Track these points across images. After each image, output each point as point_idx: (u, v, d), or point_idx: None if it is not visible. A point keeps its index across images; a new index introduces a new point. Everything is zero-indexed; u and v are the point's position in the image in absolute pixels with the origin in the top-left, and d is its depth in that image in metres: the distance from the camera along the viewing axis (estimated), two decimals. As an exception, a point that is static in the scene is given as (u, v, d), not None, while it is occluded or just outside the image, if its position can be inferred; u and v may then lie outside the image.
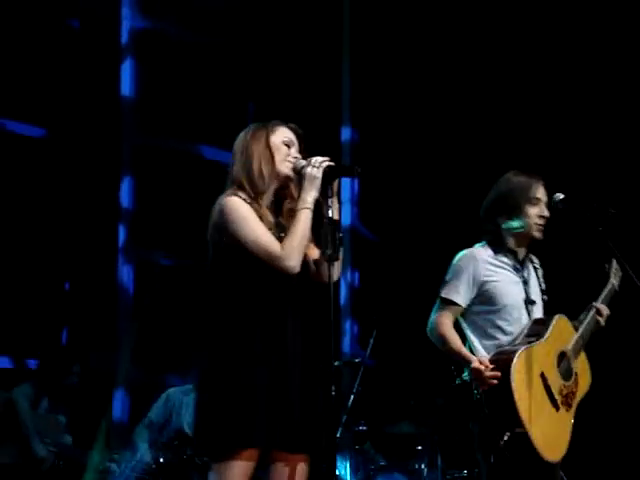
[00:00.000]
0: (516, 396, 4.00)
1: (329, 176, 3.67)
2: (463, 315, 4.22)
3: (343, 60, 7.41)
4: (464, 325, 4.23)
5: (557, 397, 4.13)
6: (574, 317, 4.27)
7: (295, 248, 3.52)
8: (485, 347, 4.19)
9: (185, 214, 6.46)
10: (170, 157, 6.66)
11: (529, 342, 4.14)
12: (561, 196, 4.22)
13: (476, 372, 4.05)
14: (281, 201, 3.69)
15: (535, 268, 4.33)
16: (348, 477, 5.80)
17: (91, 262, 6.42)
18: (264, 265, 3.54)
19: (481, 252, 4.25)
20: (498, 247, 4.26)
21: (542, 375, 4.12)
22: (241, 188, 3.64)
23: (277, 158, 3.66)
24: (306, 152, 3.69)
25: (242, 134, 3.75)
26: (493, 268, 4.22)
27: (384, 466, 5.87)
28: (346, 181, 7.22)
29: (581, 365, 4.24)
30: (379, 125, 7.13)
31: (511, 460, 4.03)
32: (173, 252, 6.55)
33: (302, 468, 3.56)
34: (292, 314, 3.58)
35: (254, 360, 3.50)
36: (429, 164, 6.82)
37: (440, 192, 6.70)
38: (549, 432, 4.08)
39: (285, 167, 3.66)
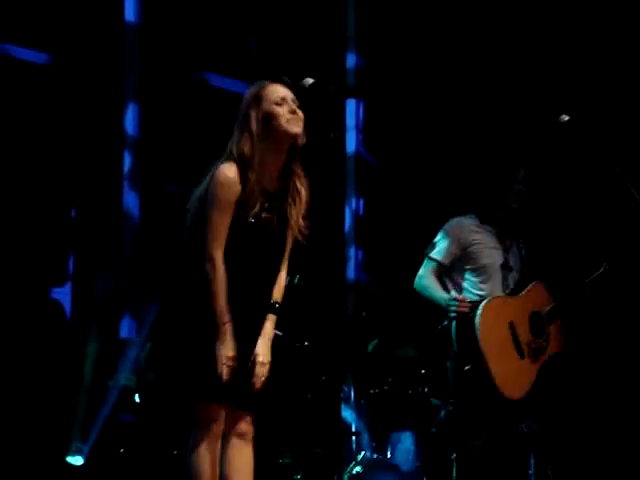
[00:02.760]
0: (479, 334, 4.53)
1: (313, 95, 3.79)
2: (447, 274, 4.83)
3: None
4: (448, 283, 4.82)
5: (524, 347, 4.67)
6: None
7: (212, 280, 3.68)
8: None
9: (190, 141, 6.47)
10: (175, 84, 6.63)
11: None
12: (566, 118, 4.33)
13: (452, 301, 4.63)
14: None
15: (520, 247, 4.90)
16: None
17: (97, 189, 6.43)
18: (237, 238, 3.70)
19: (468, 221, 4.84)
20: (484, 218, 4.82)
21: (511, 324, 4.66)
22: (240, 158, 3.72)
23: (273, 120, 3.72)
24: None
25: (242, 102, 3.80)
26: (477, 234, 4.80)
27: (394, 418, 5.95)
28: (351, 108, 7.20)
29: (555, 330, 4.78)
30: (385, 51, 7.08)
31: (473, 391, 4.61)
32: (179, 179, 6.56)
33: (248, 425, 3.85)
34: (259, 284, 3.79)
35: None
36: (435, 90, 6.79)
37: (445, 117, 6.68)
38: (509, 372, 4.60)
39: (286, 124, 3.72)
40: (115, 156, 6.53)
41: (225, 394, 3.74)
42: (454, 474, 4.68)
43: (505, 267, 4.82)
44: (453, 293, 4.77)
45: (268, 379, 3.81)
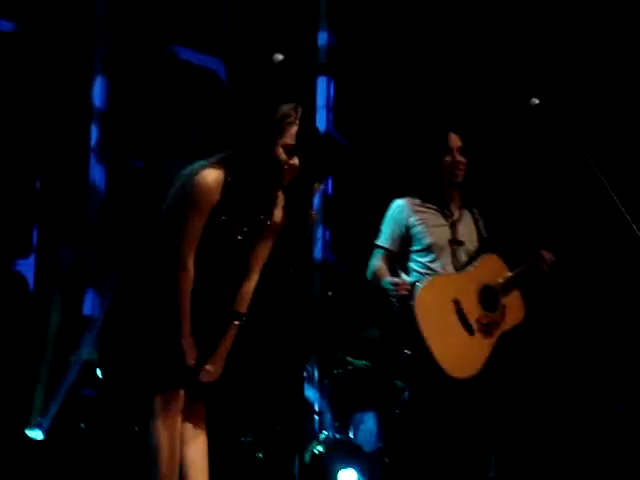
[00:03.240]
0: (417, 316, 4.45)
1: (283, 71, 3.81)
2: (397, 260, 4.76)
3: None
4: (398, 269, 4.75)
5: (473, 323, 4.56)
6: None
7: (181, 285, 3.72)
8: None
9: (158, 115, 6.41)
10: (144, 57, 6.56)
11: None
12: (537, 101, 4.34)
13: (390, 285, 4.57)
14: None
15: (475, 218, 4.79)
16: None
17: (62, 161, 6.37)
18: (209, 235, 3.74)
19: (409, 201, 4.76)
20: (425, 195, 4.73)
21: (456, 301, 4.56)
22: (233, 162, 3.76)
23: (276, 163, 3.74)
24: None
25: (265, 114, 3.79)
26: (419, 213, 4.71)
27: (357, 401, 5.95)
28: (322, 87, 7.17)
29: (513, 301, 4.66)
30: (356, 30, 7.05)
31: (421, 373, 4.52)
32: (146, 153, 6.51)
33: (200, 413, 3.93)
34: (216, 289, 3.83)
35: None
36: (405, 69, 6.77)
37: (416, 96, 6.67)
38: (455, 351, 4.50)
39: (281, 175, 3.76)
40: (82, 128, 6.47)
41: (181, 381, 3.80)
42: (416, 456, 4.66)
43: (454, 242, 4.70)
44: (403, 276, 4.70)
45: (226, 370, 3.88)
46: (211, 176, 3.72)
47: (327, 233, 7.29)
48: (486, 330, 4.58)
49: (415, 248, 4.71)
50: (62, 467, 5.47)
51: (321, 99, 7.18)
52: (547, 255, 4.65)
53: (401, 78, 6.81)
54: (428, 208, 4.75)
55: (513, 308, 4.67)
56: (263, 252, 3.92)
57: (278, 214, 3.90)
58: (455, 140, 4.71)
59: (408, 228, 4.71)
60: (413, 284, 4.58)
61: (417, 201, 4.76)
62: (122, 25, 6.53)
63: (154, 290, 3.79)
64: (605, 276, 6.14)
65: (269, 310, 5.59)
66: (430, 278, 4.60)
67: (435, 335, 4.47)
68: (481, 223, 4.83)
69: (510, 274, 4.68)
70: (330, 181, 7.28)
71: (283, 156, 3.75)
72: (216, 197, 3.72)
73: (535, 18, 6.47)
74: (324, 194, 7.26)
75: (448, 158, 4.67)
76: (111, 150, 6.51)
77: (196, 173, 3.74)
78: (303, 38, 6.90)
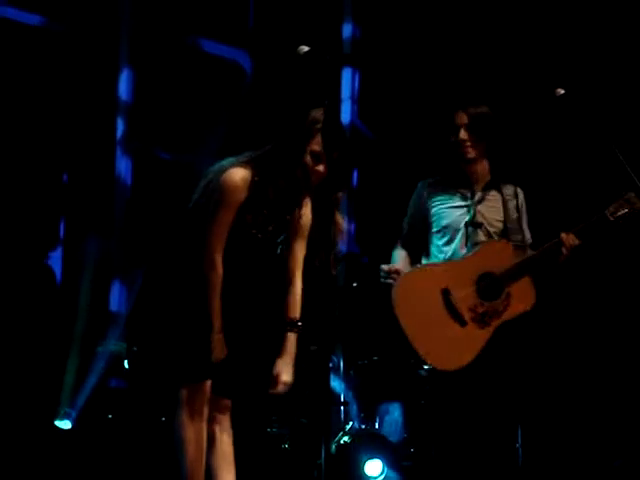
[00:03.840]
0: (397, 308, 4.28)
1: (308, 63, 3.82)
2: (419, 242, 4.61)
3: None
4: (421, 251, 4.62)
5: (464, 312, 4.32)
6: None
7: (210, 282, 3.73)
8: None
9: (183, 108, 6.44)
10: (169, 49, 6.59)
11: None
12: (562, 92, 4.27)
13: (382, 272, 4.49)
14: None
15: (505, 199, 4.54)
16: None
17: (89, 154, 6.41)
18: (236, 234, 3.77)
19: (430, 182, 4.64)
20: (446, 176, 4.60)
21: (444, 290, 4.34)
22: (261, 162, 3.77)
23: (303, 167, 3.76)
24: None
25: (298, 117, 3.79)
26: (437, 194, 4.58)
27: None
28: (347, 79, 7.17)
29: (520, 288, 4.39)
30: (381, 21, 7.04)
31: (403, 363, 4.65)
32: (171, 146, 6.53)
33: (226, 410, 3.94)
34: (252, 278, 3.86)
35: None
36: (431, 61, 6.76)
37: (441, 89, 6.65)
38: (441, 343, 4.28)
39: (308, 180, 3.76)
40: (108, 121, 6.50)
41: (207, 373, 3.82)
42: (441, 446, 4.61)
43: (472, 224, 4.48)
44: (397, 260, 4.59)
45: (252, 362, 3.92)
46: (239, 174, 3.75)
47: (352, 225, 7.30)
48: (481, 320, 4.35)
49: (433, 230, 4.58)
50: (90, 457, 5.52)
51: (346, 91, 7.18)
52: (569, 239, 4.37)
53: (425, 69, 6.79)
54: (447, 189, 4.61)
55: (520, 295, 4.41)
56: (299, 254, 3.92)
57: (306, 217, 3.90)
58: (462, 117, 4.54)
59: (427, 210, 4.60)
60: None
61: (437, 182, 4.65)
62: (147, 18, 6.55)
63: (183, 284, 3.81)
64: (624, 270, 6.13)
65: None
66: (417, 266, 4.49)
67: (415, 327, 4.30)
68: (512, 203, 4.58)
69: (517, 260, 4.43)
70: (355, 173, 7.28)
71: (310, 161, 3.76)
72: (243, 195, 3.74)
73: (559, 7, 6.45)
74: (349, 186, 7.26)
75: (453, 137, 4.55)
76: (137, 142, 6.54)
77: (225, 171, 3.77)
78: (328, 30, 6.90)
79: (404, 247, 4.64)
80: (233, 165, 3.78)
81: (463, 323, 4.33)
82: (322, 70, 4.10)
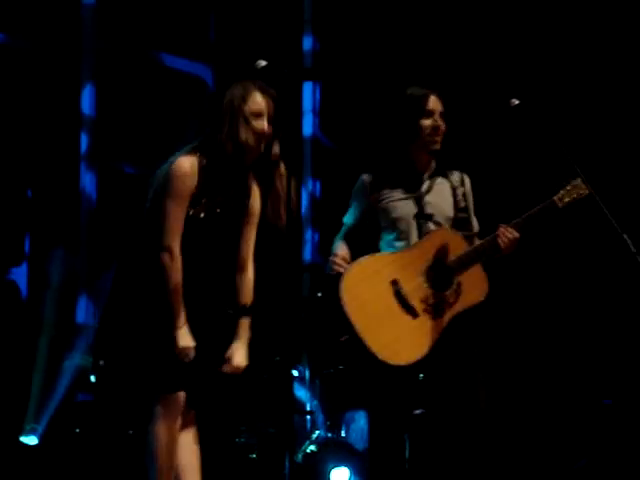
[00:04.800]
0: (344, 301, 4.05)
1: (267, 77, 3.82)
2: (363, 237, 4.35)
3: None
4: (367, 247, 4.33)
5: (415, 304, 4.13)
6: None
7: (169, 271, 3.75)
8: None
9: (146, 122, 6.47)
10: (131, 64, 6.62)
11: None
12: (517, 102, 4.25)
13: (329, 260, 4.24)
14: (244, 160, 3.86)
15: (453, 187, 4.36)
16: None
17: (53, 169, 6.42)
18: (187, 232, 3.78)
19: (373, 175, 4.37)
20: (391, 167, 4.35)
21: (394, 282, 4.14)
22: (205, 147, 3.82)
23: (243, 129, 3.79)
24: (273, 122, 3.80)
25: (225, 94, 3.83)
26: (383, 188, 4.31)
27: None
28: (308, 91, 7.23)
29: (472, 278, 4.21)
30: (341, 34, 7.11)
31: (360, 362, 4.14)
32: (135, 159, 6.56)
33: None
34: (209, 277, 3.85)
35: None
36: (390, 73, 6.82)
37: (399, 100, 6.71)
38: (393, 337, 4.07)
39: (251, 139, 3.80)
40: (72, 136, 6.52)
41: (183, 383, 3.83)
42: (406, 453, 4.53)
43: (421, 216, 4.26)
44: (338, 248, 4.36)
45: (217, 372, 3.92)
46: (186, 162, 3.79)
47: (316, 235, 7.36)
48: (434, 310, 4.15)
49: (382, 224, 4.33)
50: (57, 473, 5.51)
51: (307, 103, 7.24)
52: (508, 232, 4.22)
53: (385, 80, 6.84)
54: (391, 181, 4.34)
55: (471, 286, 4.22)
56: (250, 241, 3.96)
57: (256, 204, 3.95)
58: (436, 103, 4.32)
59: (371, 204, 4.34)
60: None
61: (381, 175, 4.37)
62: (109, 33, 6.58)
63: (146, 285, 3.82)
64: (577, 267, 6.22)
65: (259, 311, 5.65)
66: (363, 258, 4.20)
67: (365, 321, 4.07)
68: (460, 190, 4.38)
69: (466, 249, 4.24)
70: (318, 184, 7.35)
71: (252, 127, 3.82)
72: (194, 181, 3.78)
73: (518, 19, 6.54)
74: (312, 197, 7.33)
75: (427, 122, 4.27)
76: (101, 157, 6.57)
77: (172, 163, 3.81)
78: (288, 43, 6.96)
79: (346, 242, 4.41)
80: (179, 156, 3.82)
81: (415, 315, 4.15)
82: (281, 84, 4.13)
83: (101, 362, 5.54)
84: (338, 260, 4.24)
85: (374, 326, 4.06)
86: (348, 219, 4.44)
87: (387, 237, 4.30)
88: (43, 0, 6.35)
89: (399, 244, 4.27)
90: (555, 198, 4.25)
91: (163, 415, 3.82)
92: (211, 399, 4.00)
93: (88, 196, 6.53)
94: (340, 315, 4.07)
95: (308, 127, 7.25)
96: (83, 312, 6.41)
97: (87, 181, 6.53)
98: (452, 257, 4.21)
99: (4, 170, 6.27)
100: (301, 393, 5.91)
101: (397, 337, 4.08)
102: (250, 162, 3.89)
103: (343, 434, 5.80)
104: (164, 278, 3.76)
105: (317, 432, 5.76)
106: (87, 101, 6.55)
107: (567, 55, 6.43)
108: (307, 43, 7.34)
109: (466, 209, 4.35)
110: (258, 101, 3.82)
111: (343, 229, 4.44)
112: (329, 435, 5.76)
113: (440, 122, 4.28)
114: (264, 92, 3.84)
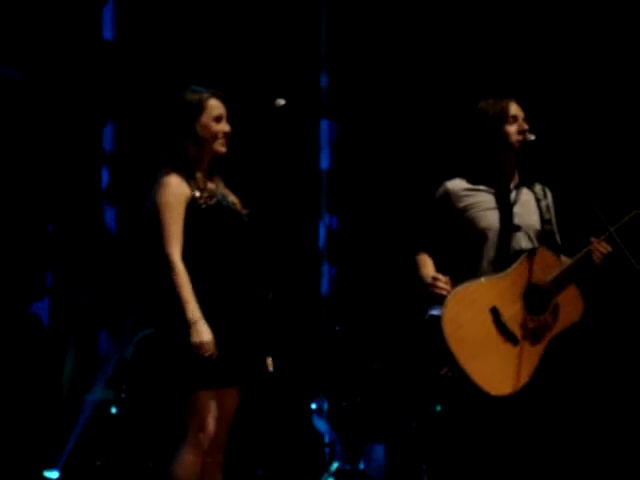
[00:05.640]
0: (446, 331, 3.97)
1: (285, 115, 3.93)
2: (443, 248, 4.22)
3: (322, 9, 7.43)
4: (445, 259, 4.21)
5: (516, 330, 4.06)
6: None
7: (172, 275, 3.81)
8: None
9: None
10: (151, 101, 6.71)
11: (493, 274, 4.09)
12: (532, 137, 4.26)
13: (431, 282, 4.08)
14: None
15: (537, 198, 4.29)
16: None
17: (74, 205, 6.50)
18: (209, 226, 3.88)
19: (456, 184, 4.26)
20: (476, 176, 4.26)
21: (493, 309, 4.06)
22: (179, 166, 3.90)
23: (209, 138, 3.91)
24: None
25: (173, 105, 3.95)
26: (468, 197, 4.22)
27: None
28: (325, 125, 7.30)
29: (568, 297, 4.15)
30: (357, 71, 7.17)
31: (455, 393, 4.04)
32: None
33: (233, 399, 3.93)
34: (243, 266, 3.93)
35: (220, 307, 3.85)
36: (407, 109, 6.88)
37: (418, 136, 6.78)
38: (496, 367, 4.00)
39: (219, 145, 3.94)
40: (93, 172, 6.61)
41: (211, 379, 3.83)
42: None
43: (512, 227, 4.18)
44: (431, 266, 4.18)
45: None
46: (172, 178, 3.89)
47: (333, 269, 7.41)
48: (534, 335, 4.06)
49: (467, 235, 4.20)
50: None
51: (324, 138, 7.30)
52: (601, 247, 4.15)
53: (403, 116, 6.91)
54: (477, 190, 4.25)
55: (568, 306, 4.14)
56: None
57: (235, 201, 4.04)
58: (517, 109, 4.27)
59: (457, 213, 4.21)
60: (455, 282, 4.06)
61: (466, 184, 4.25)
62: (129, 71, 6.68)
63: (167, 300, 3.85)
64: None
65: (278, 345, 5.69)
66: (462, 286, 4.05)
67: (470, 353, 3.98)
68: (544, 203, 4.32)
69: (560, 269, 4.12)
70: (335, 218, 7.41)
71: (214, 130, 3.92)
72: (185, 189, 3.87)
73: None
74: (329, 230, 7.39)
75: (510, 127, 4.22)
76: (122, 192, 6.64)
77: (159, 183, 3.91)
78: (306, 81, 7.02)
79: (427, 253, 4.25)
80: (162, 176, 3.91)
81: (515, 342, 4.04)
82: (300, 121, 4.22)
83: (122, 395, 5.63)
84: (441, 284, 4.09)
85: (476, 357, 3.99)
86: (427, 230, 4.28)
87: (471, 247, 4.18)
88: (65, 37, 6.45)
89: (485, 254, 4.17)
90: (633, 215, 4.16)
91: (192, 442, 3.82)
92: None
93: (109, 231, 6.61)
94: (441, 347, 4.00)
95: (325, 161, 7.31)
96: (104, 346, 6.47)
97: (108, 216, 6.61)
98: (547, 278, 4.13)
99: (26, 205, 6.36)
100: (320, 425, 5.94)
101: (499, 367, 4.01)
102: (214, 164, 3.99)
103: (361, 466, 5.82)
104: (171, 284, 3.81)
105: (335, 464, 5.78)
106: (108, 137, 6.64)
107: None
108: (324, 80, 7.41)
109: (550, 221, 4.28)
110: (217, 105, 3.94)
111: (421, 240, 4.27)
112: (347, 467, 5.78)
113: (526, 125, 4.22)
114: (217, 95, 3.96)
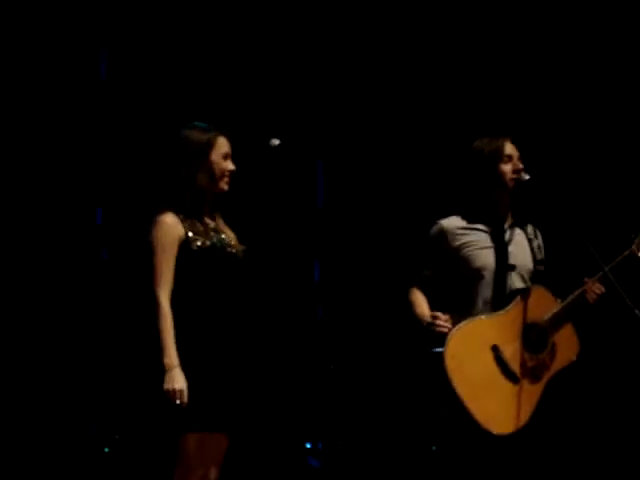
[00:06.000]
0: (449, 370, 4.01)
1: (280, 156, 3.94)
2: (438, 286, 4.30)
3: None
4: (440, 297, 4.29)
5: (516, 369, 4.11)
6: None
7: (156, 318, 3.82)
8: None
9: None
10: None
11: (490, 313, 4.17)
12: (527, 177, 4.33)
13: (429, 319, 4.14)
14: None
15: (529, 238, 4.38)
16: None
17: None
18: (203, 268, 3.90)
19: (452, 222, 4.34)
20: (472, 214, 4.33)
21: (494, 347, 4.11)
22: (177, 204, 3.93)
23: (218, 175, 3.97)
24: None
25: (180, 142, 3.98)
26: (464, 236, 4.30)
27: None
28: (321, 165, 7.24)
29: (564, 337, 4.22)
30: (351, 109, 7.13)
31: (457, 432, 4.08)
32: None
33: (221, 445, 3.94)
34: (233, 307, 3.97)
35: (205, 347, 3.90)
36: (404, 147, 6.85)
37: (414, 174, 6.79)
38: (498, 406, 4.04)
39: (224, 183, 4.00)
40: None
41: (197, 422, 3.84)
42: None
43: (506, 267, 4.23)
44: (425, 305, 4.26)
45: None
46: (167, 216, 3.92)
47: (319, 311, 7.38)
48: (533, 374, 4.13)
49: (459, 276, 4.26)
50: None
51: (321, 178, 7.28)
52: (595, 287, 4.23)
53: (397, 153, 6.90)
54: (472, 228, 4.32)
55: (565, 345, 4.21)
56: None
57: (232, 238, 4.07)
58: (512, 148, 4.35)
59: (452, 252, 4.27)
60: (455, 320, 4.13)
61: (461, 222, 4.33)
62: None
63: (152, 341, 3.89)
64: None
65: (272, 381, 5.66)
66: (463, 323, 4.10)
67: (472, 391, 4.02)
68: (536, 243, 4.40)
69: (556, 308, 4.21)
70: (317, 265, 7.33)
71: (221, 167, 3.98)
72: (178, 229, 3.90)
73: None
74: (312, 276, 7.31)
75: (506, 166, 4.29)
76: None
77: (153, 221, 3.94)
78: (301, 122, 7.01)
79: (421, 291, 4.30)
80: (157, 215, 3.94)
81: (516, 380, 4.12)
82: (295, 161, 4.24)
83: (116, 436, 5.60)
84: (441, 322, 4.14)
85: (478, 395, 4.02)
86: (421, 268, 4.33)
87: (466, 285, 4.24)
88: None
89: (479, 293, 4.21)
90: (633, 247, 4.26)
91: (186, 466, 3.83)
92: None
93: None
94: (444, 384, 4.03)
95: (321, 200, 7.27)
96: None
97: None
98: (545, 317, 4.20)
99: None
100: (314, 463, 5.93)
101: (501, 406, 4.05)
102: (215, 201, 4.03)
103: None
104: (155, 322, 3.83)
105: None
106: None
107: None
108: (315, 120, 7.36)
109: (542, 262, 4.35)
110: (225, 143, 3.99)
111: (416, 278, 4.32)
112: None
113: (521, 165, 4.31)
114: (224, 133, 4.02)
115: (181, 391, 3.78)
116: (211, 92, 6.63)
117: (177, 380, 3.79)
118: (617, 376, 6.24)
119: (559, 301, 4.28)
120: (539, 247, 4.41)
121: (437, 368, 4.07)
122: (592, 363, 5.29)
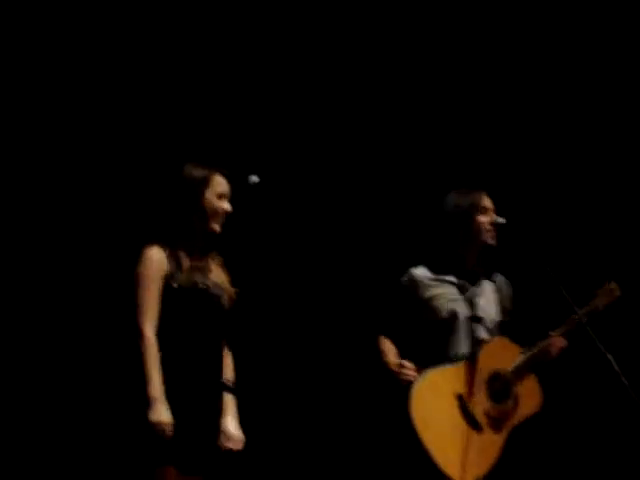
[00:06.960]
0: (415, 419, 4.11)
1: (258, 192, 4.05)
2: (407, 336, 4.40)
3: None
4: (408, 346, 4.40)
5: (480, 418, 4.23)
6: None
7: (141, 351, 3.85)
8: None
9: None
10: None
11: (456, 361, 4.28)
12: (502, 220, 4.39)
13: (395, 368, 4.24)
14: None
15: (497, 288, 4.50)
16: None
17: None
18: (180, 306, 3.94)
19: (421, 273, 4.44)
20: (441, 266, 4.42)
21: (459, 397, 4.23)
22: (166, 240, 4.00)
23: (211, 215, 4.02)
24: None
25: (177, 177, 4.06)
26: (433, 288, 4.41)
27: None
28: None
29: (527, 388, 4.34)
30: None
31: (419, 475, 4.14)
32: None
33: None
34: (206, 348, 4.01)
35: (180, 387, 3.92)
36: (378, 197, 6.75)
37: (385, 224, 6.66)
38: (461, 454, 4.14)
39: (215, 223, 4.02)
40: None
41: (175, 457, 3.87)
42: None
43: (472, 319, 4.36)
44: (394, 353, 4.38)
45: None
46: (153, 250, 3.98)
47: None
48: (496, 424, 4.24)
49: (430, 324, 4.38)
50: None
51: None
52: (559, 341, 4.37)
53: (373, 200, 6.80)
54: (444, 281, 4.43)
55: (527, 397, 4.33)
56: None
57: (222, 280, 4.09)
58: (488, 201, 4.48)
59: (421, 302, 4.38)
60: (420, 369, 4.26)
61: (430, 274, 4.44)
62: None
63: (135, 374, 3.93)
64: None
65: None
66: (429, 372, 4.24)
67: (436, 438, 4.13)
68: (503, 294, 4.51)
69: (520, 360, 4.34)
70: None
71: (216, 206, 4.02)
72: (163, 265, 3.95)
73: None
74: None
75: (483, 219, 4.41)
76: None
77: (141, 253, 3.99)
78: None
79: (390, 338, 4.41)
80: (144, 248, 3.98)
81: (479, 429, 4.21)
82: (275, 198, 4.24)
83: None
84: (408, 371, 4.24)
85: (443, 443, 4.11)
86: (389, 315, 4.41)
87: (433, 336, 4.35)
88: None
89: (446, 344, 4.32)
90: (596, 303, 4.39)
91: None
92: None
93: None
94: (409, 432, 4.13)
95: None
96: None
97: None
98: (509, 368, 4.29)
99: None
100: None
101: (465, 454, 4.12)
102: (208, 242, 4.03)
103: None
104: (138, 354, 3.85)
105: None
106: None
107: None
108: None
109: (509, 312, 4.48)
110: (222, 182, 4.00)
111: (384, 326, 4.39)
112: None
113: (497, 217, 4.40)
114: (221, 173, 4.02)
115: (167, 424, 3.80)
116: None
117: (163, 412, 3.81)
118: (587, 426, 6.22)
119: (524, 351, 4.38)
120: (508, 298, 4.51)
121: (402, 416, 4.17)
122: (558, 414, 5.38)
